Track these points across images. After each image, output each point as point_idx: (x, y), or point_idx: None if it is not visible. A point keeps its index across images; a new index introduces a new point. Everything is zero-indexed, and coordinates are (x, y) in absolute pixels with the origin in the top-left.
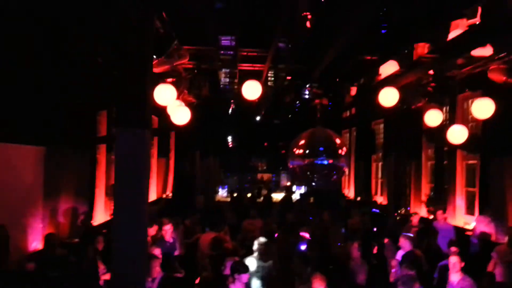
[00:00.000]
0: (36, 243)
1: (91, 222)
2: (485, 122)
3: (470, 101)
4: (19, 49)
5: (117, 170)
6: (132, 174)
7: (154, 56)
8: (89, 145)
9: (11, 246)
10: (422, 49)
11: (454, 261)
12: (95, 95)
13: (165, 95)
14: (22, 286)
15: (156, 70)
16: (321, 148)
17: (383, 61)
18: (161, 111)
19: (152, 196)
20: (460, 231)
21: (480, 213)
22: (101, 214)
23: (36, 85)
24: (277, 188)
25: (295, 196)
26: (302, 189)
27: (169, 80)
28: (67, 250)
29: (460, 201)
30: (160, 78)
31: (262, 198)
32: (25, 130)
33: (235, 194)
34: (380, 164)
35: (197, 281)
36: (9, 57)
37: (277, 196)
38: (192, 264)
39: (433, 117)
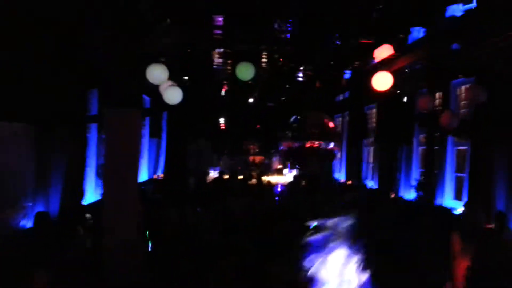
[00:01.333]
0: (26, 221)
1: (81, 201)
2: (477, 108)
3: (463, 87)
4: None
5: (107, 150)
6: (122, 153)
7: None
8: (79, 124)
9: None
10: (417, 33)
11: None
12: (85, 73)
13: (157, 74)
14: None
15: (148, 49)
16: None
17: (378, 45)
18: (153, 91)
19: (144, 176)
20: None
21: (469, 198)
22: (91, 194)
23: (25, 63)
24: (269, 170)
25: (288, 179)
26: (294, 172)
27: (162, 59)
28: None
29: (449, 187)
30: (152, 57)
31: (254, 181)
32: (15, 107)
33: (225, 176)
34: (372, 148)
35: None
36: None
37: (269, 179)
38: None
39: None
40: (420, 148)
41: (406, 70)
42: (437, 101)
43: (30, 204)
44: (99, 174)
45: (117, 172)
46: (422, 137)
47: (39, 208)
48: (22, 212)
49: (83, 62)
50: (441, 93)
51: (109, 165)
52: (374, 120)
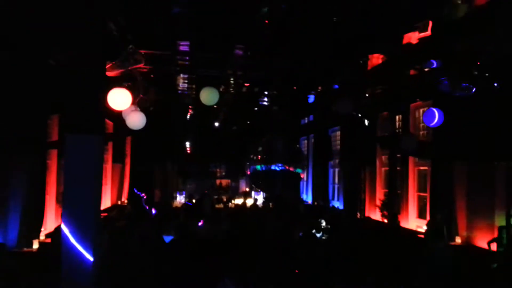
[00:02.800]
0: None
1: (41, 229)
2: (435, 130)
3: (421, 110)
4: None
5: (67, 177)
6: (83, 180)
7: (108, 60)
8: (39, 150)
9: None
10: (376, 59)
11: None
12: (46, 98)
13: (119, 99)
14: None
15: (110, 74)
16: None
17: (339, 70)
18: (116, 116)
19: (107, 203)
20: (412, 234)
21: (431, 217)
22: (51, 222)
23: None
24: (236, 194)
25: (255, 201)
26: (261, 196)
27: (125, 84)
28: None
29: (412, 206)
30: (115, 82)
31: (221, 205)
32: None
33: (194, 200)
34: (337, 169)
35: None
36: None
37: (237, 202)
38: None
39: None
40: (383, 169)
41: (367, 95)
42: (397, 124)
43: None
44: (59, 202)
45: (78, 199)
46: (384, 158)
47: None
48: None
49: (44, 87)
50: (400, 116)
51: (69, 192)
52: (338, 142)
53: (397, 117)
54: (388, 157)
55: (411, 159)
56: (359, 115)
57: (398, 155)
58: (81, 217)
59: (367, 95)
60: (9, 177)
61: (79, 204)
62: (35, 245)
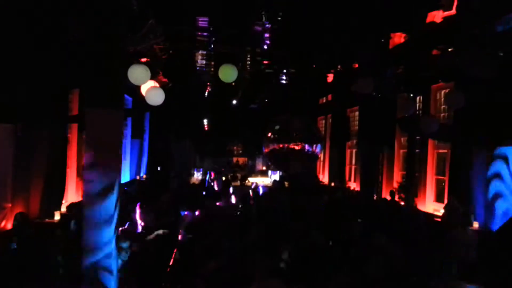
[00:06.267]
0: (5, 222)
1: (62, 202)
2: (456, 112)
3: (443, 91)
4: None
5: (88, 150)
6: (104, 154)
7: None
8: (60, 124)
9: None
10: (398, 38)
11: None
12: (67, 73)
13: (139, 75)
14: None
15: (130, 49)
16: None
17: (360, 49)
18: (136, 92)
19: (126, 177)
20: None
21: (449, 200)
22: (72, 195)
23: (6, 63)
24: (253, 172)
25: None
26: (277, 174)
27: (144, 60)
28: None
29: (430, 189)
30: (135, 58)
31: (238, 182)
32: None
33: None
34: (354, 151)
35: None
36: None
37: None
38: None
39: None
40: (402, 151)
41: (387, 75)
42: (417, 105)
43: (10, 205)
44: (79, 175)
45: (99, 172)
46: (403, 140)
47: (19, 209)
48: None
49: (65, 62)
50: (421, 97)
51: (90, 166)
52: (356, 123)
53: (417, 98)
54: (407, 139)
55: (430, 142)
56: (379, 95)
57: (418, 137)
58: (101, 190)
59: (387, 75)
60: (32, 151)
61: (100, 177)
62: (57, 217)
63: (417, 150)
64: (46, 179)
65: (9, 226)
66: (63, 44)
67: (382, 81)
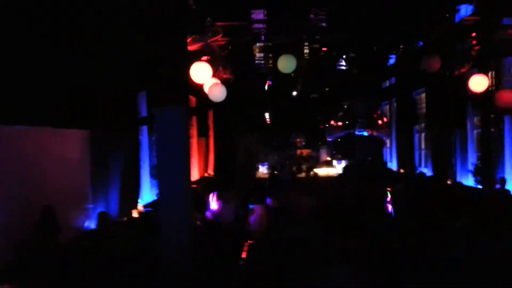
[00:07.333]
0: (89, 222)
1: (138, 200)
2: None
3: None
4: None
5: (159, 150)
6: (174, 151)
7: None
8: (131, 127)
9: (64, 226)
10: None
11: None
12: (133, 76)
13: (201, 73)
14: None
15: (190, 48)
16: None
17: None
18: (198, 91)
19: (195, 175)
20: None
21: None
22: (147, 195)
23: (76, 69)
24: (317, 163)
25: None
26: (343, 164)
27: (204, 58)
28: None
29: (509, 170)
30: (195, 57)
31: (303, 174)
32: (68, 114)
33: (275, 172)
34: (423, 134)
35: None
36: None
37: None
38: None
39: (478, 82)
40: (475, 131)
41: (456, 51)
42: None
43: (92, 206)
44: (153, 175)
45: (171, 171)
46: (476, 119)
47: (100, 209)
48: (85, 213)
49: (132, 65)
50: (493, 72)
51: (163, 165)
52: (423, 105)
53: (489, 73)
54: (480, 118)
55: (507, 120)
56: (448, 73)
57: (492, 115)
58: (176, 188)
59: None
60: (107, 155)
61: (173, 176)
62: (134, 215)
63: (492, 129)
64: (122, 180)
65: (92, 226)
66: (128, 48)
67: (451, 58)
